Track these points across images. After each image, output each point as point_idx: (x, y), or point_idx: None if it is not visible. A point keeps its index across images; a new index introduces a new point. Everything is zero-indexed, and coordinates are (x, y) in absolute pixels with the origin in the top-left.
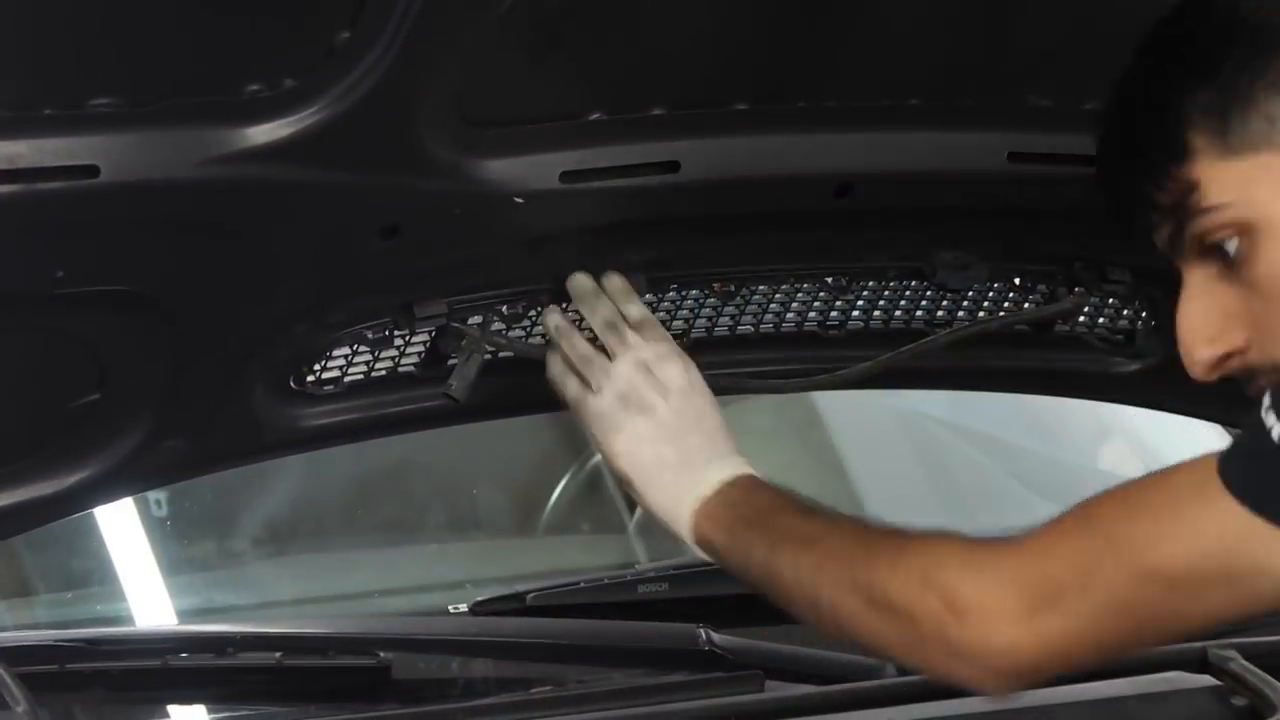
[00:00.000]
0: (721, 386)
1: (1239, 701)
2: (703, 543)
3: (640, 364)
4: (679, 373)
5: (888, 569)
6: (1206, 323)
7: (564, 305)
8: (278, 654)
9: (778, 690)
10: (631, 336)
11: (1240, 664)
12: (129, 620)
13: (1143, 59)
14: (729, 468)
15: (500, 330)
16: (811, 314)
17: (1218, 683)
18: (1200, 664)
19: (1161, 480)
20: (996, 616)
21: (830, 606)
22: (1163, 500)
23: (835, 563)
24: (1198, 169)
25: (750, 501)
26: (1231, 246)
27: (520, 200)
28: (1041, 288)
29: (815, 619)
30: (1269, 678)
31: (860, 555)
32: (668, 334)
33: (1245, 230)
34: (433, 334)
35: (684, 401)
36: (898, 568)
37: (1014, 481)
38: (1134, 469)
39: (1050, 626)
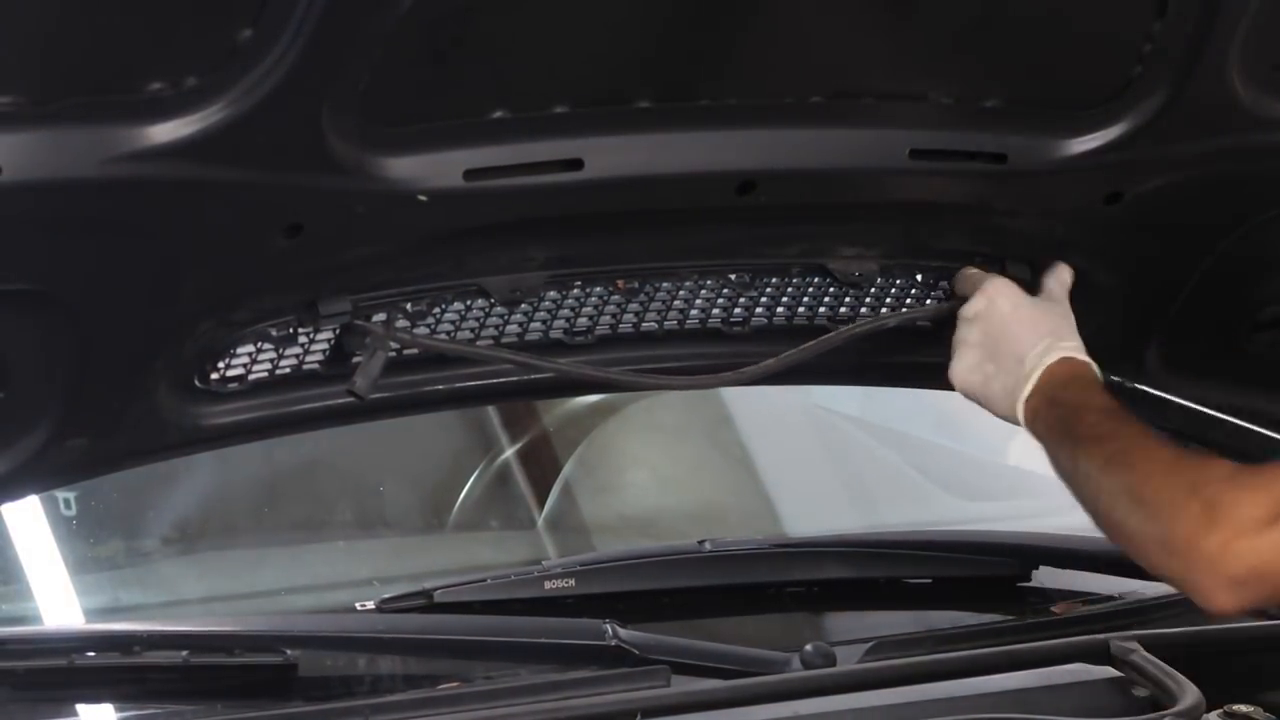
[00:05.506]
0: (628, 383)
1: (1140, 693)
2: (1036, 438)
3: (964, 310)
4: (980, 302)
5: (1161, 475)
6: None
7: (490, 302)
8: (184, 652)
9: (684, 684)
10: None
11: (1142, 655)
12: (35, 619)
13: None
14: (1041, 359)
15: (405, 327)
16: (715, 310)
17: (1120, 674)
18: (1103, 656)
19: None
20: (1244, 523)
21: (1106, 504)
22: None
23: (1116, 465)
24: None
25: (1062, 401)
26: None
27: (424, 198)
28: (944, 284)
29: (1093, 516)
30: (1170, 669)
31: (1139, 460)
32: (978, 273)
33: None
34: (337, 332)
35: (987, 322)
36: (1170, 474)
37: (921, 477)
38: (1041, 463)
39: None
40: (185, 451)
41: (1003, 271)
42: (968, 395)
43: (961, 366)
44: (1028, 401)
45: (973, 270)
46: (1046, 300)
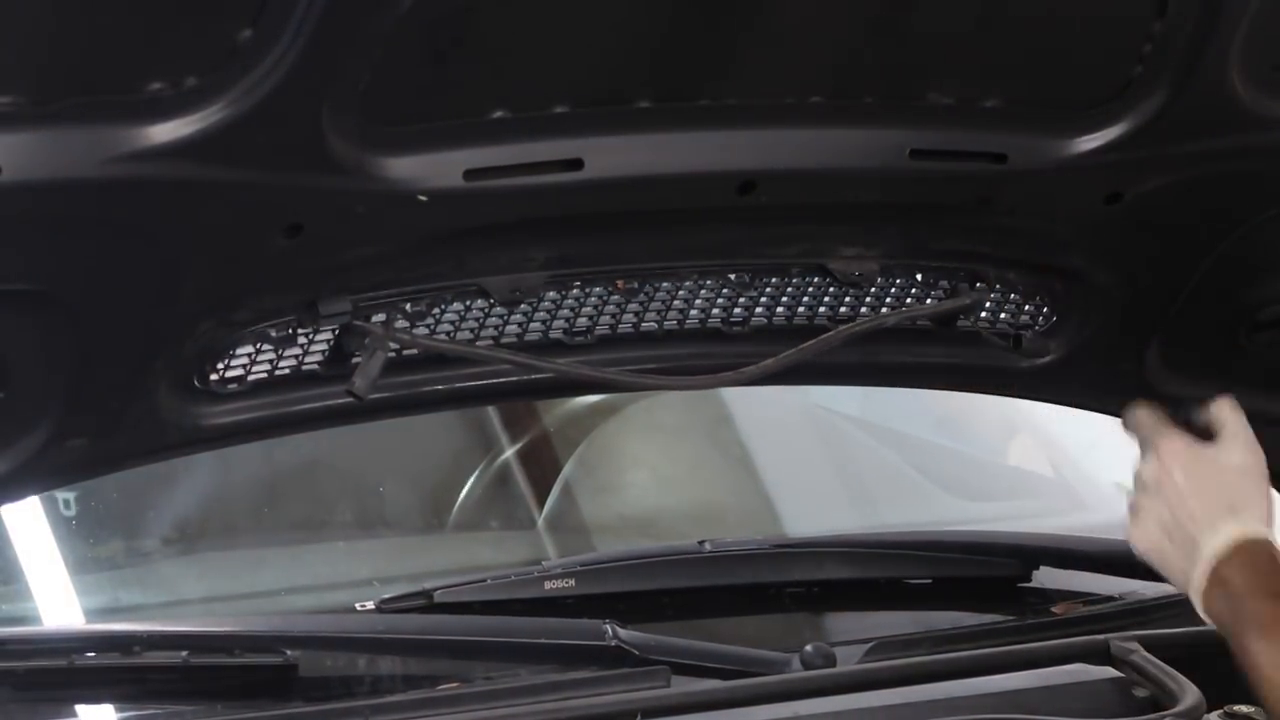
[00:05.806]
0: (627, 383)
1: (1141, 693)
2: (1212, 619)
3: (1139, 473)
4: (1154, 468)
5: None
6: None
7: (489, 302)
8: (184, 653)
9: (684, 685)
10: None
11: (1142, 656)
12: (35, 620)
13: None
14: (1226, 535)
15: (404, 327)
16: (715, 310)
17: (1120, 675)
18: (1103, 656)
19: None
20: None
21: None
22: None
23: None
24: None
25: (1231, 588)
26: None
27: (424, 198)
28: (944, 283)
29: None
30: (1170, 669)
31: None
32: (1149, 419)
33: None
34: (336, 332)
35: (1161, 495)
36: None
37: (921, 477)
38: (1041, 464)
39: None
40: (185, 451)
41: (1174, 418)
42: (1148, 562)
43: (1139, 533)
44: (1204, 590)
45: (1143, 412)
46: (1225, 448)
